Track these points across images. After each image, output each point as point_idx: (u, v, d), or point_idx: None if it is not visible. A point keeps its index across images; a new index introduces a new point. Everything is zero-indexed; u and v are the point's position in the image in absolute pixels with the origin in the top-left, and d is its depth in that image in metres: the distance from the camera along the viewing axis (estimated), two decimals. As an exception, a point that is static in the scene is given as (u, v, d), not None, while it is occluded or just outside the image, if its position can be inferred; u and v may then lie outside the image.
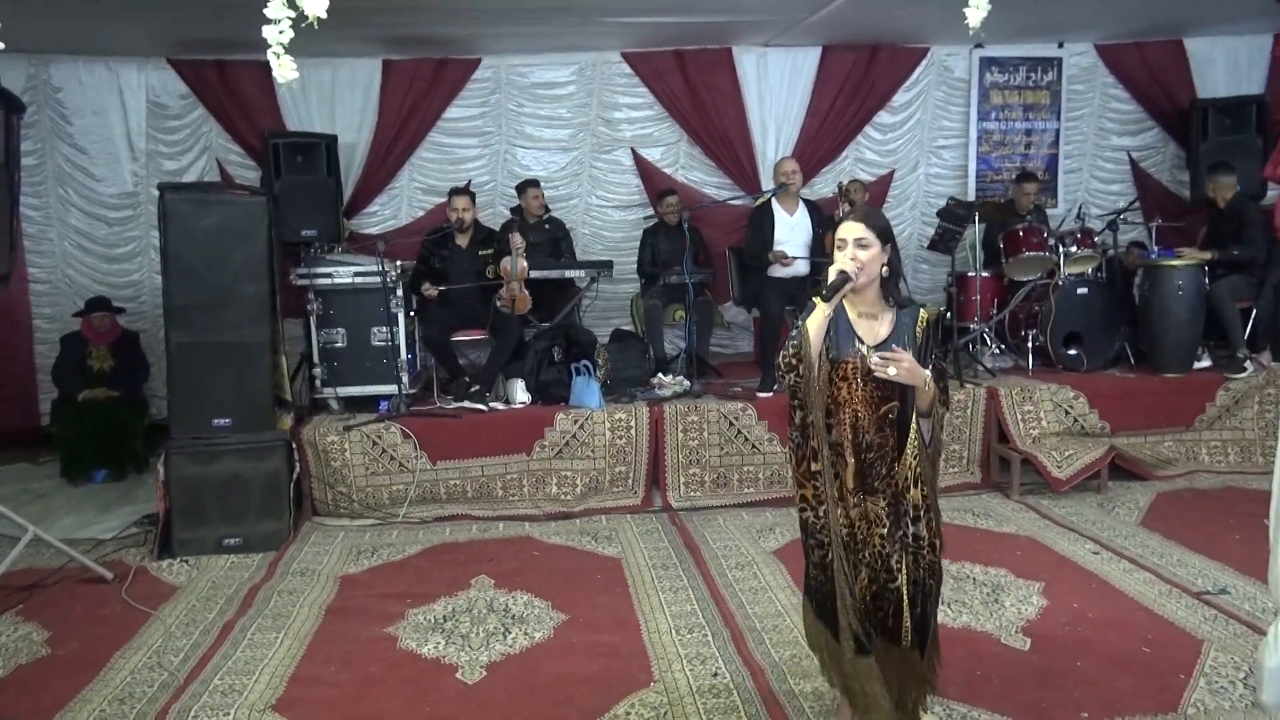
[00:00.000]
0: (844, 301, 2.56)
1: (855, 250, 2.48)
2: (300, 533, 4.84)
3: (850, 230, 2.51)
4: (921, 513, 2.54)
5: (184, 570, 4.41)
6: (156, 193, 4.92)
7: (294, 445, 4.96)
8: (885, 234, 2.53)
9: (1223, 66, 7.17)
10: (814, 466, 2.55)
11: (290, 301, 5.60)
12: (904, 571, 2.53)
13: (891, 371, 2.40)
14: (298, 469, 4.95)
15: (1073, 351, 5.93)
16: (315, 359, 5.56)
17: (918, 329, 2.55)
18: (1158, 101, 7.21)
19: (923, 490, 2.54)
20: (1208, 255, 5.86)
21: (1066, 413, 5.50)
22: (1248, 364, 5.69)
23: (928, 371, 2.45)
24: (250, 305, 4.73)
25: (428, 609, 3.84)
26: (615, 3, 5.56)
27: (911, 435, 2.51)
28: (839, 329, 2.55)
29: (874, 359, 2.43)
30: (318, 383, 5.58)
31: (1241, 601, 3.68)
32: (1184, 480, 5.37)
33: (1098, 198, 7.31)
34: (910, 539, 2.54)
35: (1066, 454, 5.22)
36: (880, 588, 2.55)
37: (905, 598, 2.53)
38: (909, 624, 2.54)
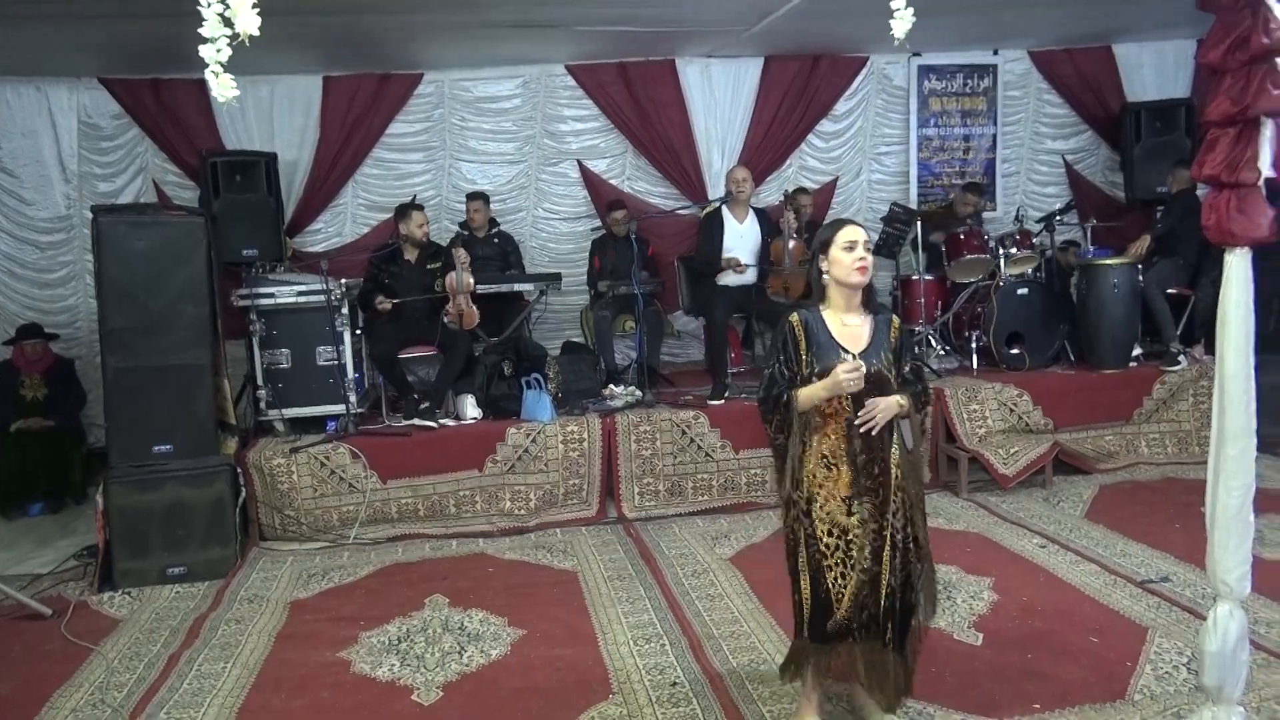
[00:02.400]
0: (826, 312, 2.67)
1: (863, 251, 2.60)
2: (248, 559, 4.73)
3: (859, 233, 2.63)
4: (906, 510, 2.62)
5: (126, 602, 4.28)
6: (90, 215, 4.80)
7: (239, 469, 4.85)
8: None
9: (1151, 71, 7.38)
10: (794, 496, 2.65)
11: (232, 323, 5.48)
12: (886, 562, 2.60)
13: (879, 420, 2.54)
14: (243, 494, 4.85)
15: (1015, 351, 6.05)
16: (259, 380, 5.44)
17: (891, 334, 2.66)
18: (1090, 106, 7.40)
19: (908, 489, 2.62)
20: (1143, 244, 6.07)
21: (1011, 410, 5.61)
22: (1181, 358, 5.85)
23: (898, 397, 2.58)
24: (190, 327, 4.63)
25: (381, 631, 3.77)
26: (559, 14, 5.56)
27: (894, 438, 2.61)
28: (820, 342, 2.63)
29: (860, 424, 2.56)
30: (262, 405, 5.45)
31: (1183, 588, 3.78)
32: (1125, 473, 5.51)
33: (1035, 200, 7.47)
34: (898, 536, 2.61)
35: (1012, 451, 5.33)
36: (871, 579, 2.61)
37: (883, 590, 2.59)
38: (893, 622, 2.61)
